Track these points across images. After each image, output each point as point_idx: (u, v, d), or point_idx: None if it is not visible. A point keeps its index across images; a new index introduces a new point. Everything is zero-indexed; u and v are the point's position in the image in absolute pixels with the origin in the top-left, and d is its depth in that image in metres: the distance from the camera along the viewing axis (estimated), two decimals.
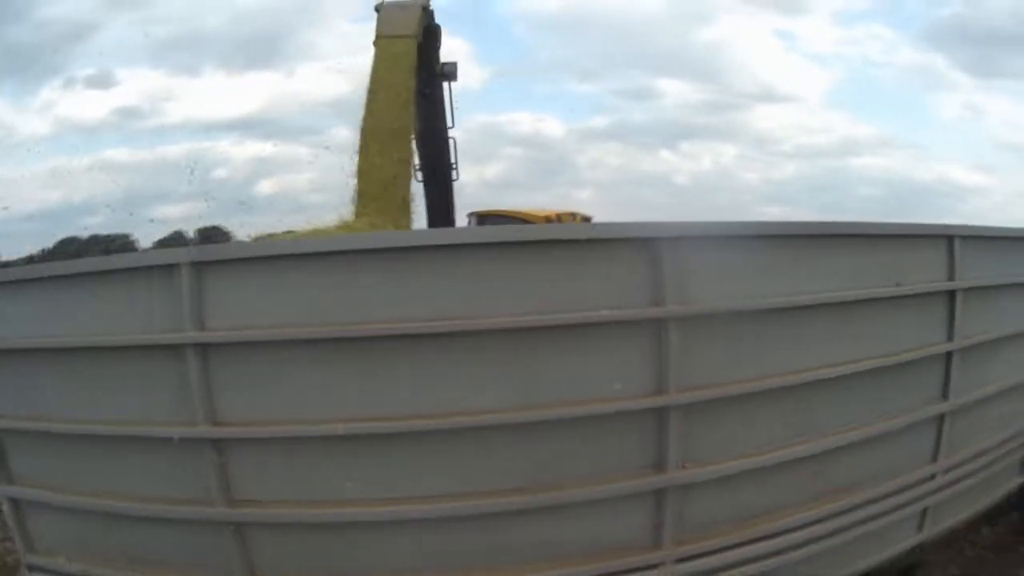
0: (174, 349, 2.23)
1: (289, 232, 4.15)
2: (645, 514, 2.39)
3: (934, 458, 2.98)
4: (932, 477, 2.99)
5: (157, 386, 2.30)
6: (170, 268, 2.21)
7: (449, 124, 6.78)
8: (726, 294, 2.31)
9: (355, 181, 4.56)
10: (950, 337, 2.88)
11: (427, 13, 5.56)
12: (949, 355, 2.90)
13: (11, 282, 2.52)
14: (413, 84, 4.89)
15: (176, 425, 2.29)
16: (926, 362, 2.87)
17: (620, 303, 2.24)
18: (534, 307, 2.19)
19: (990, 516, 3.54)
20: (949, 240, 2.84)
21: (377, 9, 5.28)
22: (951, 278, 2.86)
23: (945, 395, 2.93)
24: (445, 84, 6.48)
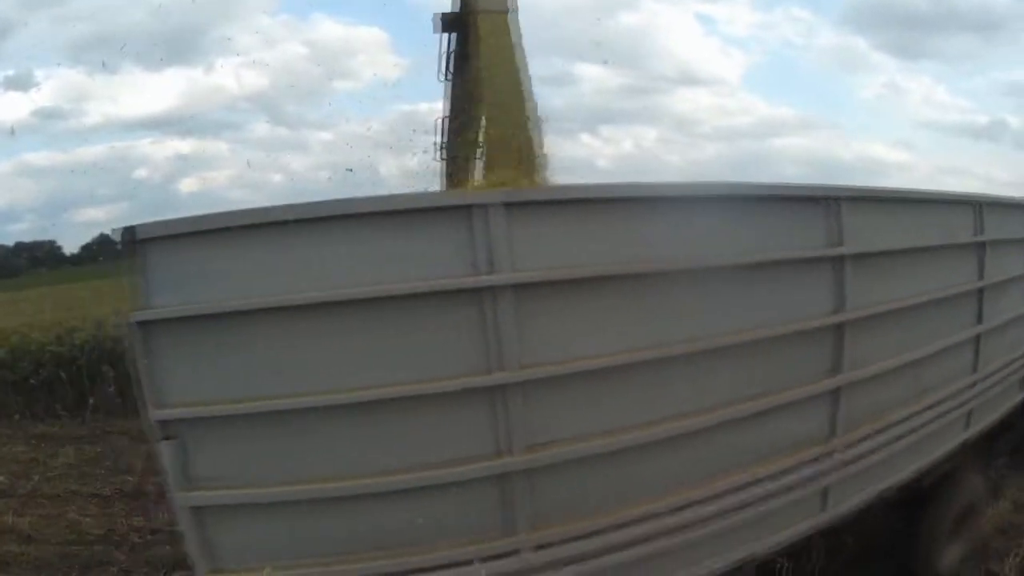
0: (478, 293, 2.21)
1: None
2: (824, 412, 3.10)
3: (974, 370, 3.97)
4: (973, 385, 3.97)
5: (455, 334, 2.22)
6: (467, 209, 2.20)
7: None
8: (885, 239, 3.12)
9: (483, 148, 4.84)
10: (981, 277, 3.90)
11: None
12: (981, 291, 3.91)
13: (234, 228, 2.16)
14: (514, 50, 5.08)
15: (473, 375, 2.23)
16: (967, 295, 3.87)
17: (800, 245, 2.95)
18: (735, 250, 2.74)
19: None
20: (977, 206, 3.87)
21: None
22: (979, 233, 3.88)
23: (979, 320, 3.93)
24: None
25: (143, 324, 2.16)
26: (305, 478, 2.20)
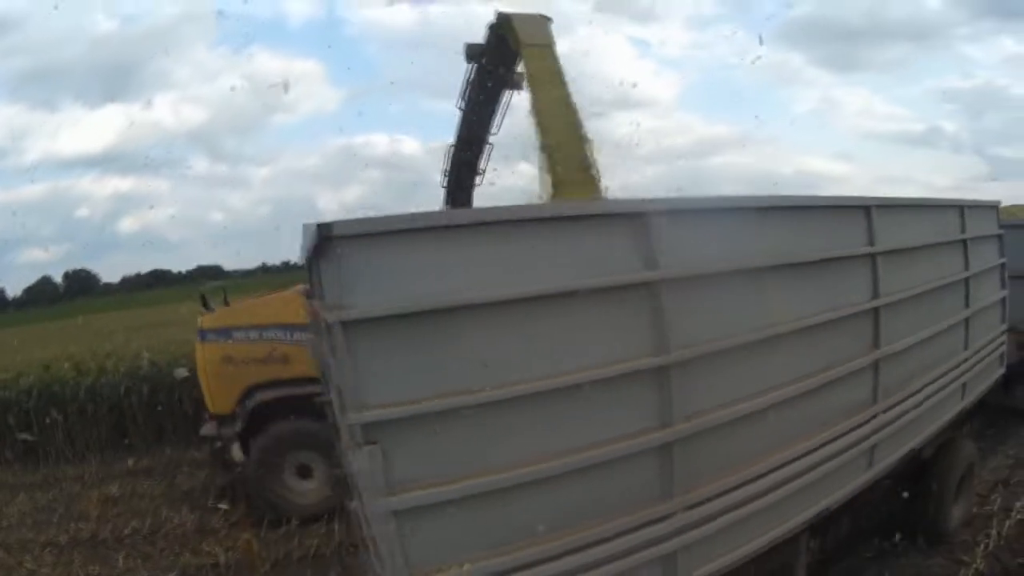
0: (649, 286, 2.55)
1: None
2: (868, 381, 3.70)
3: (966, 347, 4.71)
4: (966, 360, 4.71)
5: (631, 322, 2.52)
6: (641, 216, 2.53)
7: (494, 131, 7.38)
8: (902, 238, 3.80)
9: (545, 174, 5.22)
10: (967, 268, 4.69)
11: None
12: (968, 280, 4.69)
13: (427, 228, 2.24)
14: (564, 79, 5.56)
15: (642, 357, 2.53)
16: (958, 284, 4.64)
17: (849, 244, 3.60)
18: (807, 249, 3.31)
19: None
20: (961, 209, 4.66)
21: (500, 16, 5.91)
22: (964, 232, 4.68)
23: (967, 305, 4.69)
24: (506, 92, 7.03)
25: (345, 324, 2.14)
26: (495, 468, 2.29)
